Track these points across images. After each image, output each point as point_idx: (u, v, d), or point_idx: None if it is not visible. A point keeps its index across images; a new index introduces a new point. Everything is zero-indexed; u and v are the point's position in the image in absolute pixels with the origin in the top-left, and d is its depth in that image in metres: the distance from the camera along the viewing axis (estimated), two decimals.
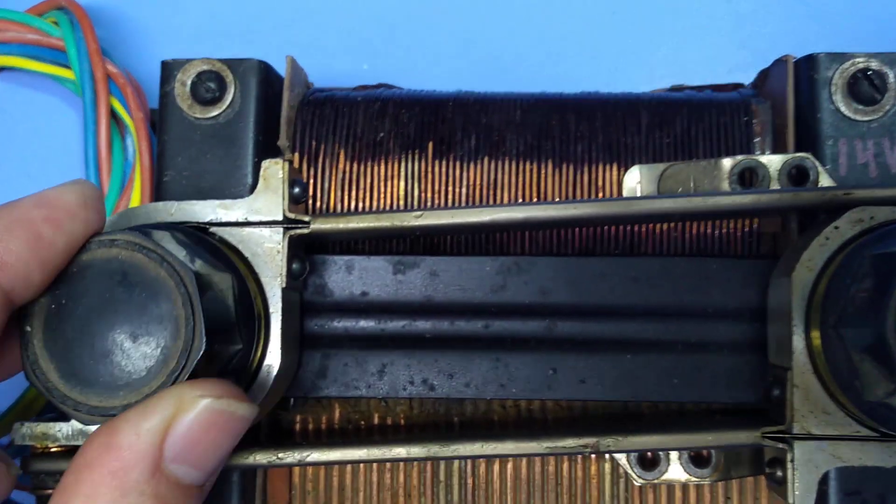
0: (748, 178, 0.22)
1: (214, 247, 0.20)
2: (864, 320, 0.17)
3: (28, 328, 0.18)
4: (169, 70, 0.24)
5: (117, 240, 0.18)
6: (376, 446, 0.20)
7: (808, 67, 0.23)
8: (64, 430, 0.20)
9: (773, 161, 0.21)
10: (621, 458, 0.22)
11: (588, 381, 0.22)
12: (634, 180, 0.22)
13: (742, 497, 0.22)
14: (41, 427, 0.21)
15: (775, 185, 0.21)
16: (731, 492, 0.22)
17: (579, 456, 0.22)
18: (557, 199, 0.22)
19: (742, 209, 0.20)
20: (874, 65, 0.22)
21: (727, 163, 0.22)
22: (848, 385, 0.18)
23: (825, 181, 0.21)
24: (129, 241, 0.18)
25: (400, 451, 0.20)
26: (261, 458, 0.20)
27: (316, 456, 0.20)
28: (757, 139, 0.23)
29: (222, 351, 0.18)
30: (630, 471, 0.22)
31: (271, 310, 0.20)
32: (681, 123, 0.23)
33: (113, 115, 0.29)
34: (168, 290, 0.18)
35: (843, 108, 0.22)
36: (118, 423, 0.18)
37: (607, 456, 0.22)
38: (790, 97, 0.23)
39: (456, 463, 0.23)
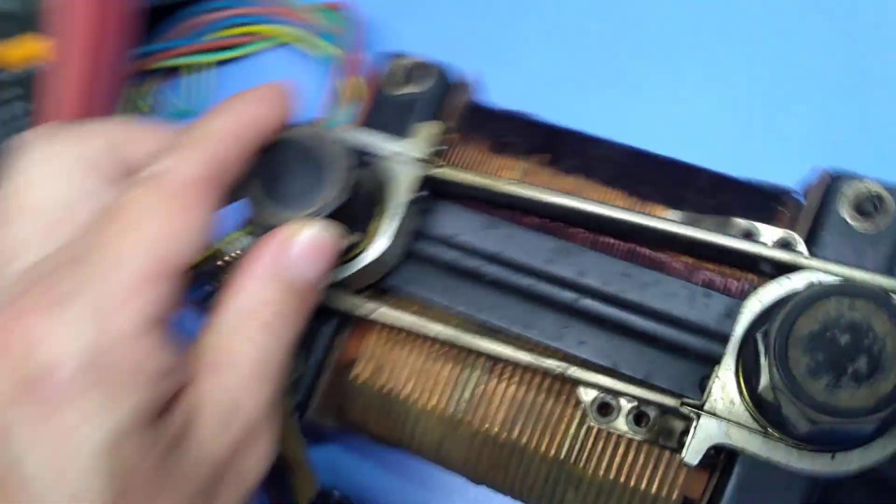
0: (746, 237, 0.29)
1: (373, 159, 0.30)
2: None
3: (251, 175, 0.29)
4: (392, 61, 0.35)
5: (303, 127, 0.28)
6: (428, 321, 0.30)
7: (833, 178, 0.29)
8: (239, 244, 0.31)
9: (768, 230, 0.29)
10: (588, 399, 0.29)
11: (587, 342, 0.30)
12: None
13: (667, 469, 0.29)
14: (225, 242, 0.32)
15: (772, 251, 0.28)
16: (660, 462, 0.29)
17: (564, 396, 0.30)
18: (608, 205, 0.30)
19: (715, 246, 0.28)
20: (881, 190, 0.29)
21: (736, 222, 0.29)
22: (752, 388, 0.25)
23: (801, 256, 0.28)
24: (311, 128, 0.28)
25: (439, 330, 0.29)
26: (348, 303, 0.30)
27: (383, 311, 0.30)
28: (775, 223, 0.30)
29: (348, 214, 0.28)
30: (590, 412, 0.29)
31: (391, 214, 0.30)
32: (724, 193, 0.31)
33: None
34: (333, 162, 0.28)
35: (846, 216, 0.29)
36: (267, 235, 0.27)
37: (581, 398, 0.29)
38: (813, 204, 0.29)
39: (478, 371, 0.31)
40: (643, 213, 0.29)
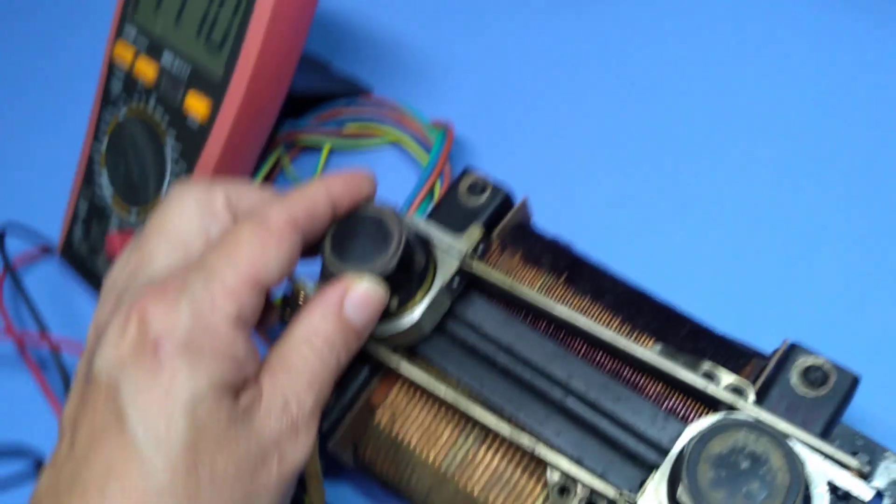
0: (706, 377, 0.35)
1: (428, 246, 0.38)
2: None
3: (327, 233, 0.37)
4: (464, 174, 0.43)
5: (384, 207, 0.36)
6: (439, 383, 0.37)
7: (790, 349, 0.35)
8: (310, 287, 0.39)
9: (726, 375, 0.34)
10: (553, 479, 0.35)
11: (562, 433, 0.36)
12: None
13: None
14: (303, 282, 0.39)
15: (720, 391, 0.34)
16: None
17: (535, 475, 0.36)
18: (604, 327, 0.37)
19: (675, 379, 0.34)
20: (826, 366, 0.35)
21: (704, 363, 0.35)
22: (673, 493, 0.31)
23: (749, 404, 0.34)
24: (390, 210, 0.36)
25: (444, 392, 0.36)
26: (383, 352, 0.38)
27: (408, 368, 0.37)
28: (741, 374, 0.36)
29: (396, 282, 0.36)
30: (552, 492, 0.35)
31: (430, 292, 0.37)
32: (703, 341, 0.37)
33: (431, 190, 0.49)
34: (393, 239, 0.35)
35: (794, 381, 0.35)
36: (331, 282, 0.35)
37: (548, 479, 0.35)
38: (770, 365, 0.35)
39: (471, 439, 0.38)
40: (628, 341, 0.36)
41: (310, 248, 0.36)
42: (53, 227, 0.55)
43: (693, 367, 0.35)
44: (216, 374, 0.29)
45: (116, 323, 0.30)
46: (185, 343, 0.29)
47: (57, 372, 0.50)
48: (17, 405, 0.52)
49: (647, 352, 0.36)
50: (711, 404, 0.35)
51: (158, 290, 0.31)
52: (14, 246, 0.55)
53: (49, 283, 0.55)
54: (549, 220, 0.44)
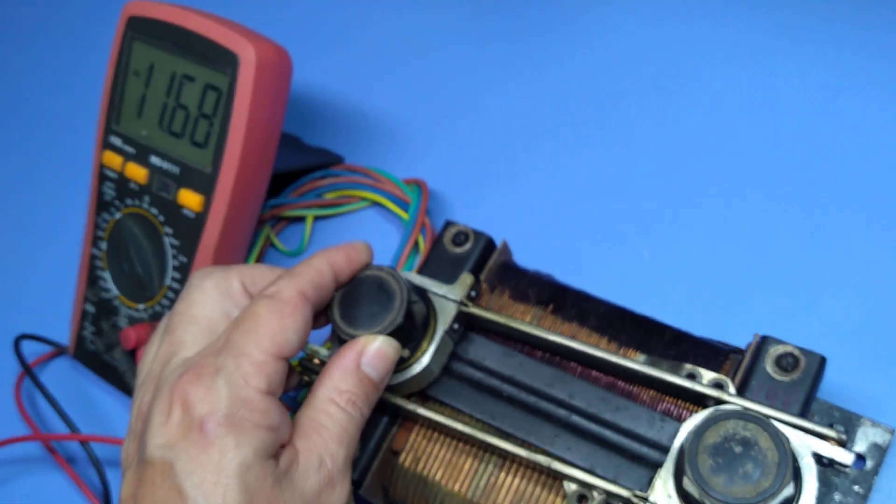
0: (689, 377, 0.39)
1: (426, 297, 0.41)
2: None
3: (334, 298, 0.41)
4: (447, 227, 0.47)
5: (382, 268, 0.40)
6: (456, 423, 0.40)
7: (762, 341, 0.40)
8: (323, 352, 0.43)
9: (707, 373, 0.39)
10: (570, 490, 0.38)
11: (572, 449, 0.40)
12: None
13: None
14: (315, 347, 0.43)
15: (706, 388, 0.38)
16: None
17: (554, 490, 0.40)
18: (594, 347, 0.41)
19: (664, 382, 0.38)
20: (795, 352, 0.39)
21: (685, 366, 0.39)
22: (679, 484, 0.35)
23: (733, 396, 0.38)
24: (388, 270, 0.40)
25: (464, 430, 0.40)
26: (399, 401, 0.41)
27: (424, 411, 0.41)
28: (721, 372, 0.40)
29: (404, 334, 0.39)
30: (571, 501, 0.38)
31: (434, 339, 0.41)
32: (684, 346, 0.41)
33: (415, 243, 0.53)
34: (395, 296, 0.39)
35: (769, 369, 0.39)
36: (347, 344, 0.39)
37: (566, 491, 0.39)
38: (746, 358, 0.40)
39: (490, 466, 0.41)
40: (618, 356, 0.40)
41: (317, 316, 0.39)
42: (61, 331, 0.58)
43: (676, 370, 0.39)
44: (258, 442, 0.33)
45: (160, 407, 0.33)
46: (226, 419, 0.32)
47: (89, 465, 0.53)
48: (52, 501, 0.55)
49: (635, 363, 0.39)
50: (699, 401, 0.39)
51: (195, 373, 0.34)
52: (25, 352, 0.57)
53: (64, 383, 0.58)
54: (528, 255, 0.48)
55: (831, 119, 0.50)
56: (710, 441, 0.33)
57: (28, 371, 0.54)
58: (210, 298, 0.37)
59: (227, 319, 0.37)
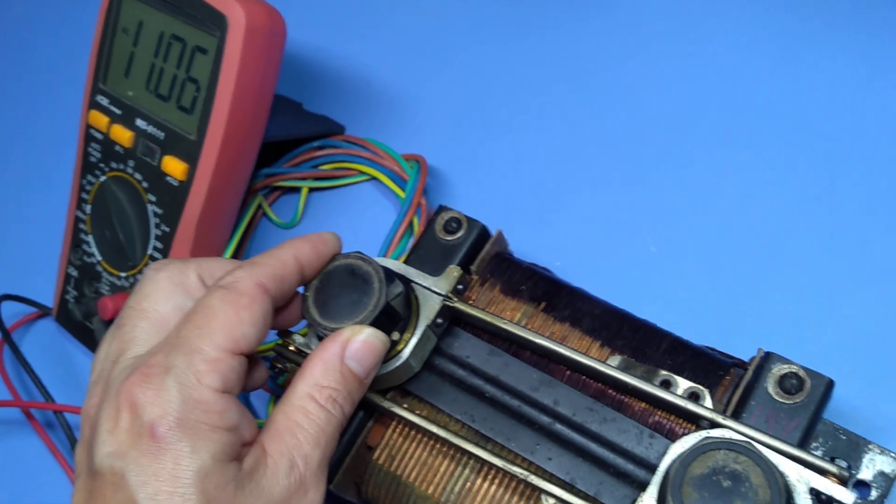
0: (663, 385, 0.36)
1: (407, 286, 0.39)
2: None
3: (307, 293, 0.38)
4: (440, 212, 0.44)
5: (350, 254, 0.38)
6: (434, 423, 0.38)
7: (765, 358, 0.37)
8: (298, 339, 0.40)
9: (682, 382, 0.36)
10: None
11: (553, 459, 0.37)
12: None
13: None
14: (296, 336, 0.41)
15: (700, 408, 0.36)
16: None
17: (531, 501, 0.37)
18: (585, 354, 0.38)
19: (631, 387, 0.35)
20: (800, 373, 0.36)
21: (660, 373, 0.37)
22: None
23: (728, 419, 0.35)
24: (356, 255, 0.37)
25: (442, 432, 0.37)
26: (376, 398, 0.39)
27: (401, 412, 0.38)
28: (719, 387, 0.37)
29: (383, 325, 0.37)
30: None
31: (416, 332, 0.39)
32: (682, 356, 0.38)
33: (410, 224, 0.51)
34: (372, 279, 0.37)
35: (770, 390, 0.36)
36: (330, 336, 0.37)
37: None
38: (747, 375, 0.37)
39: (467, 470, 0.39)
40: (588, 356, 0.37)
41: (276, 312, 0.36)
42: (46, 293, 0.57)
43: (651, 375, 0.37)
44: (216, 446, 0.30)
45: (108, 413, 0.31)
46: (179, 422, 0.30)
47: (62, 431, 0.52)
48: (27, 465, 0.54)
49: (607, 367, 0.37)
50: (693, 419, 0.36)
51: (142, 373, 0.31)
52: (9, 312, 0.56)
53: (46, 346, 0.57)
54: (525, 242, 0.46)
55: (860, 122, 0.46)
56: (697, 472, 0.31)
57: (6, 336, 0.53)
58: (163, 291, 0.35)
59: (180, 314, 0.34)
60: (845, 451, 0.38)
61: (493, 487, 0.38)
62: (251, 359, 0.34)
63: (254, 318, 0.33)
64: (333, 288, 0.37)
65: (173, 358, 0.31)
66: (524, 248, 0.46)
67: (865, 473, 0.38)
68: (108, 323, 0.50)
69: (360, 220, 0.54)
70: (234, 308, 0.32)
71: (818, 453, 0.37)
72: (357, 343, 0.35)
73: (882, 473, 0.38)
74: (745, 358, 0.40)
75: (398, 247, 0.50)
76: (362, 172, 0.54)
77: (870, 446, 0.38)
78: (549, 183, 0.51)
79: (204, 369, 0.31)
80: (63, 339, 0.56)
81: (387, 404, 0.39)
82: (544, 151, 0.52)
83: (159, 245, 0.48)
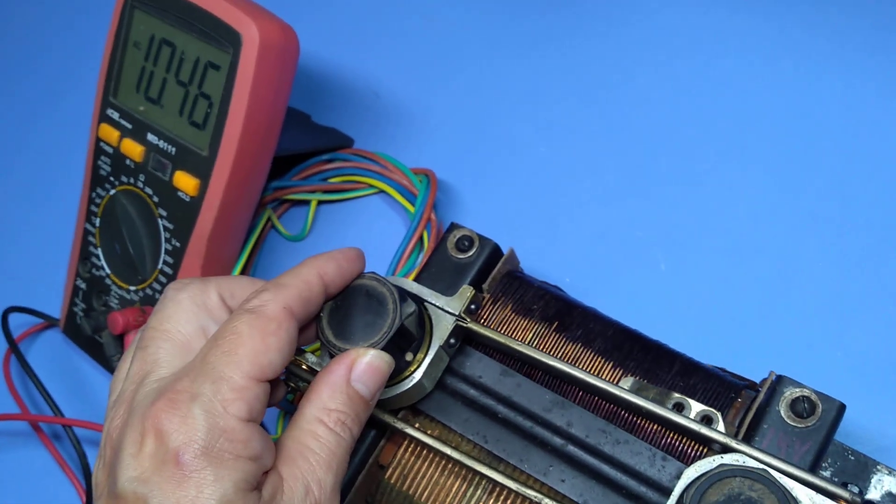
0: (676, 407, 0.36)
1: (420, 306, 0.39)
2: None
3: (321, 314, 0.38)
4: (452, 230, 0.44)
5: (365, 275, 0.37)
6: (446, 443, 0.38)
7: (777, 381, 0.37)
8: (311, 357, 0.40)
9: (695, 405, 0.36)
10: None
11: (566, 481, 0.37)
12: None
13: None
14: (308, 355, 0.41)
15: (713, 432, 0.36)
16: None
17: None
18: (598, 377, 0.38)
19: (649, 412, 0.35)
20: (813, 397, 0.36)
21: (672, 395, 0.37)
22: None
23: (741, 443, 0.35)
24: (371, 275, 0.37)
25: (454, 453, 0.38)
26: (388, 417, 0.39)
27: (413, 432, 0.38)
28: (731, 410, 0.38)
29: (396, 346, 0.37)
30: None
31: (429, 353, 0.39)
32: (694, 377, 0.39)
33: (420, 239, 0.51)
34: (387, 300, 0.37)
35: (782, 413, 0.36)
36: (335, 358, 0.37)
37: None
38: (759, 398, 0.37)
39: (479, 491, 0.39)
40: (602, 379, 0.37)
41: (301, 331, 0.36)
42: (51, 303, 0.56)
43: (664, 398, 0.37)
44: (239, 475, 0.30)
45: (132, 437, 0.31)
46: (204, 450, 0.30)
47: (70, 443, 0.52)
48: (34, 477, 0.54)
49: (619, 390, 0.37)
50: (705, 442, 0.36)
51: (169, 399, 0.31)
52: (16, 322, 0.56)
53: (53, 357, 0.57)
54: (535, 257, 0.46)
55: (873, 142, 0.47)
56: (713, 500, 0.31)
57: (14, 347, 0.53)
58: (185, 313, 0.35)
59: (203, 335, 0.34)
60: (854, 471, 0.38)
61: None
62: (273, 381, 0.34)
63: (280, 344, 0.33)
64: (348, 309, 0.37)
65: (200, 385, 0.31)
66: (533, 263, 0.46)
67: (874, 494, 0.38)
68: (118, 338, 0.50)
69: (368, 234, 0.54)
70: (262, 334, 0.32)
71: (827, 474, 0.38)
72: (362, 365, 0.35)
73: (890, 494, 0.38)
74: (756, 378, 0.40)
75: (408, 262, 0.50)
76: (371, 186, 0.54)
77: (878, 467, 0.38)
78: (558, 198, 0.51)
79: (230, 398, 0.31)
80: (69, 349, 0.56)
81: (399, 424, 0.39)
82: (554, 166, 0.52)
83: (169, 259, 0.48)
